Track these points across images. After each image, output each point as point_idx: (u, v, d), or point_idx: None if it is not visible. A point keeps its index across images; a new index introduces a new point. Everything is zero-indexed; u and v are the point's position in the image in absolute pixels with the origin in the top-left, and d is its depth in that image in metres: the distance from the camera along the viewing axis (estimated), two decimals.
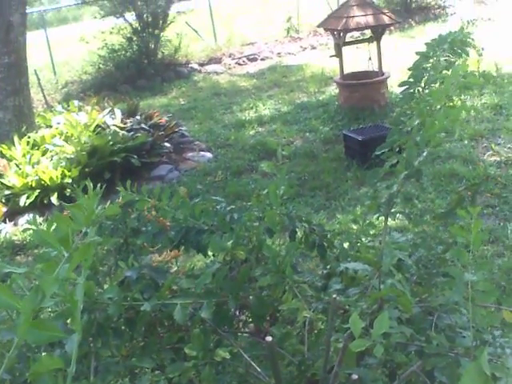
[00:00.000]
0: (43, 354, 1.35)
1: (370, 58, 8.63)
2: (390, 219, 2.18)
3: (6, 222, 6.38)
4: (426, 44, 2.01)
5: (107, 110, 8.02)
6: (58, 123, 7.72)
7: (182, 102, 10.81)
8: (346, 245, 2.43)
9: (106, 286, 1.88)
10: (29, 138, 7.37)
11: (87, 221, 1.22)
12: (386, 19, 8.47)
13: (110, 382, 1.60)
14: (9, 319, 1.53)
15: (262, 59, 13.44)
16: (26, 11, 8.56)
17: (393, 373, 1.94)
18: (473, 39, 1.95)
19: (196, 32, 14.48)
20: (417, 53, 2.03)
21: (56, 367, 0.99)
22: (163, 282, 1.90)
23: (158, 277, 1.92)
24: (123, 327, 1.74)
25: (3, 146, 7.15)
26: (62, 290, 1.11)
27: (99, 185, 1.87)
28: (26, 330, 1.00)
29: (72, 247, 1.13)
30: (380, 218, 2.22)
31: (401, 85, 2.11)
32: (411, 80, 2.07)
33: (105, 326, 1.59)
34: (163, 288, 1.84)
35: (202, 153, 7.78)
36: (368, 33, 9.05)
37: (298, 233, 2.31)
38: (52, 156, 6.98)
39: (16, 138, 7.26)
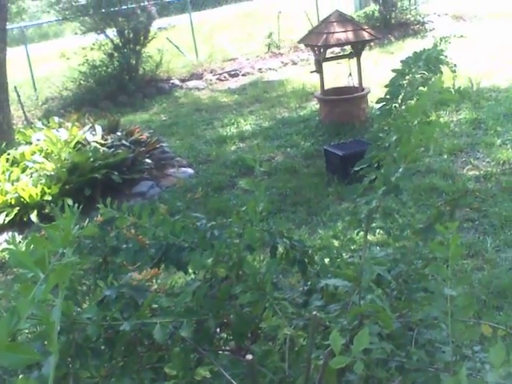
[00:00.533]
0: (20, 376, 1.33)
1: (350, 74, 8.70)
2: (370, 234, 2.19)
3: None
4: (402, 61, 2.04)
5: (88, 127, 8.00)
6: (38, 140, 7.68)
7: (164, 118, 10.80)
8: (326, 260, 2.43)
9: (84, 306, 1.87)
10: (8, 154, 7.32)
11: (64, 241, 1.21)
12: (365, 35, 8.55)
13: None
14: None
15: (244, 75, 13.49)
16: (7, 27, 8.53)
17: None
18: (446, 56, 1.98)
19: (177, 48, 14.51)
20: (393, 70, 2.06)
21: None
22: (143, 301, 1.89)
23: (137, 296, 1.91)
24: (102, 347, 1.72)
25: None
26: (39, 311, 1.10)
27: (76, 204, 1.85)
28: (1, 354, 0.99)
29: (49, 268, 1.12)
30: (360, 234, 2.23)
31: (378, 101, 2.14)
32: (388, 97, 2.09)
33: (83, 346, 1.57)
34: (143, 307, 1.82)
35: (183, 169, 7.77)
36: (348, 48, 9.14)
37: (279, 249, 2.31)
38: (32, 173, 6.93)
39: None
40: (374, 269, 1.91)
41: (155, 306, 1.95)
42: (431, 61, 1.96)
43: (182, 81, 13.25)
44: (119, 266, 2.19)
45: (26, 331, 1.57)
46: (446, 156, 6.99)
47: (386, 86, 2.08)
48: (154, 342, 1.82)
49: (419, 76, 2.00)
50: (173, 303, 1.92)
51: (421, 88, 2.01)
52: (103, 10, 12.26)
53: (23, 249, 1.21)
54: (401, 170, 1.88)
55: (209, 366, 1.74)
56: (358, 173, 2.13)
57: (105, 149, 7.39)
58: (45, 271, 1.11)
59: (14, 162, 7.24)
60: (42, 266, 1.11)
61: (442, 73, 1.94)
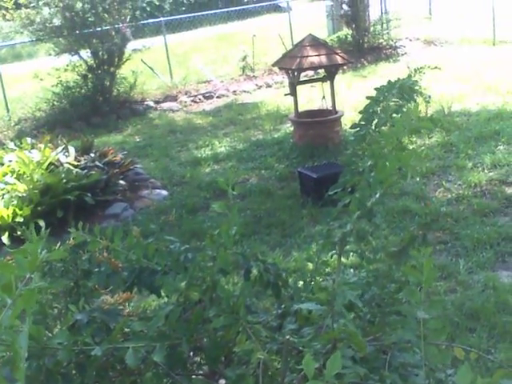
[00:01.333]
0: None
1: (323, 97, 8.79)
2: (343, 257, 2.20)
3: None
4: (376, 89, 2.07)
5: (61, 148, 7.93)
6: (10, 161, 7.58)
7: (138, 140, 10.78)
8: (300, 283, 2.43)
9: (56, 330, 1.84)
10: None
11: (31, 266, 1.19)
12: (338, 59, 8.65)
13: None
14: None
15: (218, 97, 13.54)
16: None
17: None
18: (420, 87, 2.02)
19: (152, 69, 14.52)
20: (367, 97, 2.08)
21: None
22: (115, 325, 1.87)
23: (109, 320, 1.89)
24: (73, 372, 1.69)
25: None
26: (7, 337, 1.08)
27: (45, 228, 1.84)
28: None
29: (16, 293, 1.10)
30: (334, 257, 2.24)
31: (352, 127, 2.16)
32: (362, 123, 2.12)
33: (54, 372, 1.55)
34: (115, 331, 1.80)
35: (158, 190, 7.74)
36: (322, 72, 9.23)
37: (253, 271, 2.31)
38: (3, 194, 6.84)
39: None
40: (346, 294, 1.92)
41: (127, 330, 1.92)
42: (405, 90, 1.99)
43: (157, 102, 13.25)
44: (91, 289, 2.16)
45: None
46: (418, 179, 7.07)
47: (360, 112, 2.10)
48: (126, 367, 1.79)
49: (393, 103, 2.03)
50: (145, 327, 1.90)
51: (394, 115, 2.04)
52: (77, 32, 12.23)
53: None
54: (377, 195, 1.90)
55: None
56: (331, 196, 2.14)
57: (78, 170, 7.32)
58: (12, 296, 1.09)
59: None
60: (8, 292, 1.09)
61: (415, 101, 1.98)
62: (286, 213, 6.57)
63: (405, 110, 1.98)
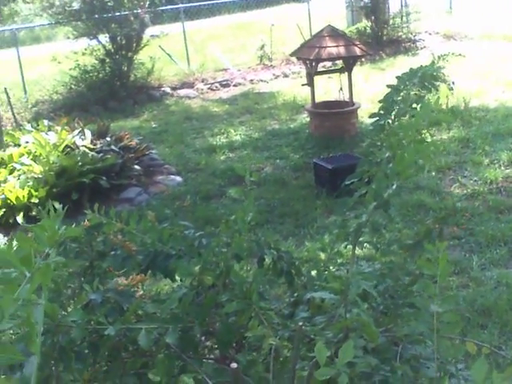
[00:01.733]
0: (2, 376, 1.31)
1: (341, 88, 8.74)
2: (357, 249, 2.20)
3: None
4: (397, 77, 2.05)
5: (77, 131, 7.96)
6: (27, 142, 7.63)
7: (154, 125, 10.79)
8: (313, 273, 2.43)
9: (69, 309, 1.85)
10: None
11: (50, 241, 1.20)
12: (357, 51, 8.60)
13: None
14: None
15: (235, 85, 13.51)
16: None
17: None
18: (444, 74, 2.00)
19: (169, 56, 14.52)
20: (388, 85, 2.06)
21: None
22: (128, 307, 1.88)
23: (123, 301, 1.89)
24: (86, 351, 1.70)
25: None
26: (23, 311, 1.09)
27: (65, 206, 1.84)
28: None
29: (34, 267, 1.11)
30: (348, 247, 2.23)
31: (371, 116, 2.14)
32: (381, 112, 2.10)
33: (67, 349, 1.56)
34: (128, 312, 1.81)
35: (172, 176, 7.75)
36: (340, 63, 9.19)
37: (267, 259, 2.31)
38: (19, 175, 6.89)
39: None
40: (360, 283, 1.91)
41: (140, 312, 1.93)
42: (427, 78, 1.97)
43: (173, 89, 13.25)
44: (105, 270, 2.17)
45: (11, 332, 1.55)
46: (433, 173, 7.03)
47: (379, 101, 2.08)
48: (139, 348, 1.81)
49: (413, 93, 2.01)
50: (158, 309, 1.91)
51: (414, 105, 2.02)
52: (96, 16, 12.25)
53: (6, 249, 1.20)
54: (394, 186, 1.89)
55: (193, 374, 1.72)
56: (347, 187, 2.13)
57: (94, 153, 7.35)
58: (30, 270, 1.09)
59: (2, 164, 7.19)
60: (27, 265, 1.10)
61: (437, 90, 1.96)
62: (300, 203, 6.56)
63: (425, 100, 1.96)
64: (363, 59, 12.87)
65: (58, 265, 1.37)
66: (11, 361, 1.01)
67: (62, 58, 12.35)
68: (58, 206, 1.89)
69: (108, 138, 8.04)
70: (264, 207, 6.45)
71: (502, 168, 7.05)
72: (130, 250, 2.24)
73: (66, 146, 7.46)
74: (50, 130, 8.03)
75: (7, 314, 0.99)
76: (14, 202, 6.51)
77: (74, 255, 2.20)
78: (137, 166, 7.63)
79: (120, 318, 1.79)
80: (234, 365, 1.59)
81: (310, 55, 8.47)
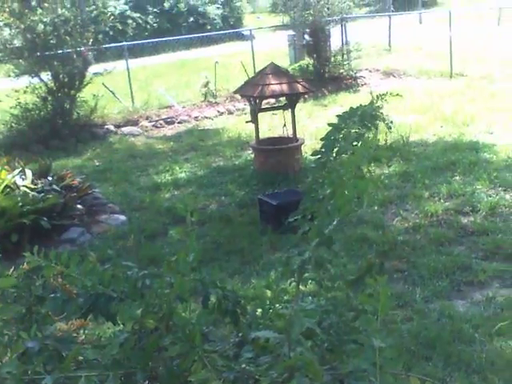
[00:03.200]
0: None
1: (284, 125, 8.87)
2: (302, 285, 2.20)
3: None
4: (338, 116, 2.09)
5: (18, 170, 7.79)
6: None
7: (97, 164, 10.67)
8: (259, 311, 2.42)
9: (5, 359, 1.78)
10: None
11: None
12: (300, 88, 8.76)
13: None
14: None
15: (180, 122, 13.53)
16: None
17: None
18: (382, 113, 2.05)
19: (113, 93, 14.45)
20: (329, 124, 2.10)
21: None
22: (67, 354, 1.82)
23: (62, 348, 1.84)
24: None
25: None
26: None
27: (4, 248, 1.79)
28: None
29: None
30: (293, 284, 2.24)
31: (313, 154, 2.17)
32: (323, 150, 2.13)
33: None
34: (67, 359, 1.75)
35: (116, 215, 7.65)
36: (283, 100, 9.33)
37: (212, 299, 2.29)
38: None
39: None
40: (303, 321, 1.91)
41: (81, 358, 1.88)
42: (366, 117, 2.02)
43: (117, 127, 13.16)
44: (44, 316, 2.11)
45: None
46: (376, 207, 7.15)
47: (321, 139, 2.12)
48: None
49: (354, 131, 2.05)
50: (99, 355, 1.86)
51: (355, 143, 2.06)
52: (38, 54, 12.13)
53: None
54: (335, 222, 1.91)
55: None
56: (292, 223, 2.15)
57: (34, 193, 7.20)
58: None
59: None
60: None
61: (377, 129, 2.00)
62: (246, 240, 6.55)
63: (365, 138, 2.01)
64: (306, 96, 13.10)
65: None
66: None
67: (2, 96, 12.14)
68: None
69: (49, 178, 7.89)
70: (209, 245, 6.41)
71: (442, 201, 7.23)
72: (70, 293, 2.19)
73: (6, 186, 7.28)
74: None
75: None
76: None
77: (11, 300, 2.13)
78: (79, 206, 7.50)
79: (59, 365, 1.73)
80: None
81: (253, 93, 8.58)
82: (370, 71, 16.61)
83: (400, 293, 5.15)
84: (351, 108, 2.17)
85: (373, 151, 1.98)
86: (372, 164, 2.07)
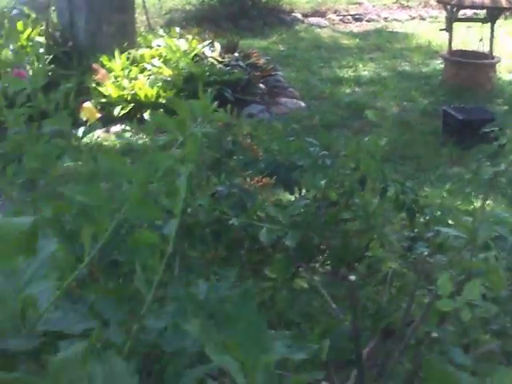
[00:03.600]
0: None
1: (481, 39, 8.26)
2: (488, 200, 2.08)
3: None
4: None
5: (207, 42, 8.04)
6: (158, 45, 7.79)
7: (281, 49, 10.68)
8: (437, 213, 2.34)
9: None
10: (129, 54, 7.45)
11: (204, 112, 1.20)
12: (503, 2, 8.05)
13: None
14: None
15: (368, 21, 13.07)
16: None
17: (467, 347, 1.87)
18: None
19: None
20: None
21: (154, 242, 0.97)
22: (251, 205, 1.87)
23: (247, 198, 1.89)
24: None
25: (104, 57, 7.25)
26: (169, 176, 1.09)
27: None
28: (131, 206, 0.98)
29: (187, 132, 1.11)
30: (476, 198, 2.12)
31: None
32: None
33: (193, 229, 1.58)
34: (252, 209, 1.81)
35: (295, 100, 7.67)
36: (482, 13, 8.67)
37: (389, 192, 2.24)
38: (149, 75, 7.08)
39: (117, 52, 7.33)
40: (494, 227, 1.81)
41: (262, 214, 1.93)
42: None
43: (305, 16, 12.99)
44: (232, 168, 2.17)
45: None
46: None
47: None
48: (255, 246, 1.82)
49: None
50: (280, 214, 1.89)
51: None
52: None
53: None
54: None
55: (306, 280, 1.72)
56: (478, 140, 2.02)
57: (221, 66, 7.42)
58: (184, 133, 1.10)
59: (134, 62, 7.39)
60: (182, 128, 1.10)
61: None
62: (423, 148, 6.35)
63: None
64: (508, 13, 12.04)
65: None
66: (153, 218, 1.03)
67: None
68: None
69: (236, 54, 8.06)
70: (385, 146, 6.28)
71: None
72: (256, 154, 2.24)
73: (196, 55, 7.58)
74: (181, 37, 8.14)
75: (162, 166, 0.99)
76: (143, 99, 6.72)
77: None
78: (262, 85, 7.62)
79: (243, 213, 1.79)
80: (352, 277, 1.55)
81: (451, 0, 8.03)
82: None
83: None
84: None
85: None
86: None
